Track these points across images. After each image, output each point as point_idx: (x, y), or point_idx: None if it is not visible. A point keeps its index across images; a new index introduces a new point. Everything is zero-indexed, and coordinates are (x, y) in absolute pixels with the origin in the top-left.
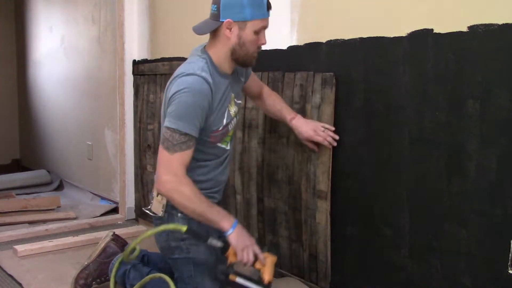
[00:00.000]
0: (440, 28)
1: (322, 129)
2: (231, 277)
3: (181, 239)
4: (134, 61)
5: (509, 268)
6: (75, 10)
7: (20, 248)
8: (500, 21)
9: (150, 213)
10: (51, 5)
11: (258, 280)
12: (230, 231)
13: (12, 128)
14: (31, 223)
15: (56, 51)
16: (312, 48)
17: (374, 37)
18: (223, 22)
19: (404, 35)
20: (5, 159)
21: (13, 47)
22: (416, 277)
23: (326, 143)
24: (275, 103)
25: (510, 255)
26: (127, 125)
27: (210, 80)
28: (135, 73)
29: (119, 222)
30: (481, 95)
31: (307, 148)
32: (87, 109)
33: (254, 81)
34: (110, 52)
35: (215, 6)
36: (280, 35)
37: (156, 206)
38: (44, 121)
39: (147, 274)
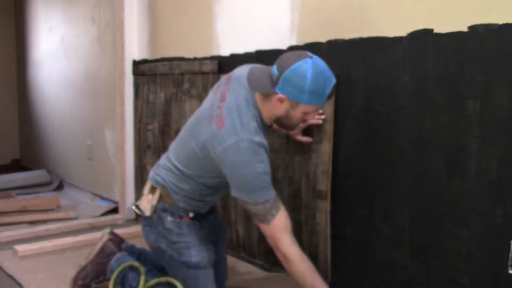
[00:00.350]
0: (440, 28)
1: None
2: None
3: (172, 242)
4: (134, 61)
5: (509, 268)
6: (75, 10)
7: (20, 248)
8: (500, 21)
9: (137, 211)
10: (51, 5)
11: None
12: None
13: (12, 128)
14: (31, 223)
15: (56, 51)
16: (312, 48)
17: (374, 37)
18: (277, 93)
19: (404, 35)
20: (5, 159)
21: (13, 47)
22: (416, 277)
23: (314, 121)
24: None
25: (510, 255)
26: (127, 125)
27: (263, 141)
28: (135, 73)
29: (119, 222)
30: (481, 95)
31: (307, 148)
32: (87, 109)
33: None
34: (110, 52)
35: (277, 71)
36: (280, 35)
37: (145, 205)
38: (44, 121)
39: (146, 274)
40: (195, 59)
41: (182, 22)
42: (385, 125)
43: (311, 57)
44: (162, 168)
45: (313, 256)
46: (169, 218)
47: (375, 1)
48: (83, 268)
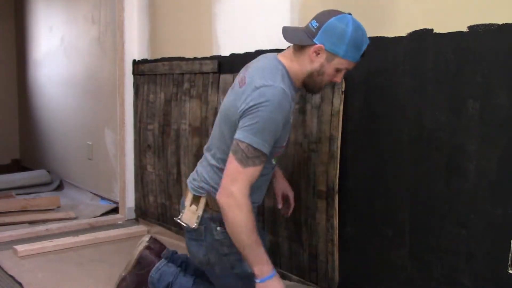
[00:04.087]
0: (440, 28)
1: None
2: None
3: (224, 255)
4: (134, 61)
5: (509, 268)
6: (75, 10)
7: (20, 248)
8: (500, 21)
9: (182, 223)
10: (51, 5)
11: None
12: (259, 280)
13: (12, 128)
14: (31, 223)
15: (56, 51)
16: None
17: (374, 37)
18: (315, 44)
19: (404, 35)
20: (5, 159)
21: (13, 47)
22: (416, 277)
23: (287, 207)
24: None
25: (510, 255)
26: (127, 125)
27: (288, 92)
28: (135, 73)
29: (119, 222)
30: (481, 95)
31: (307, 148)
32: (87, 109)
33: None
34: (110, 52)
35: (316, 23)
36: (280, 35)
37: (189, 217)
38: (44, 121)
39: (193, 286)
40: (195, 59)
41: (182, 22)
42: (385, 125)
43: (349, 13)
44: (202, 173)
45: (313, 256)
46: (218, 228)
47: (375, 1)
48: (123, 279)
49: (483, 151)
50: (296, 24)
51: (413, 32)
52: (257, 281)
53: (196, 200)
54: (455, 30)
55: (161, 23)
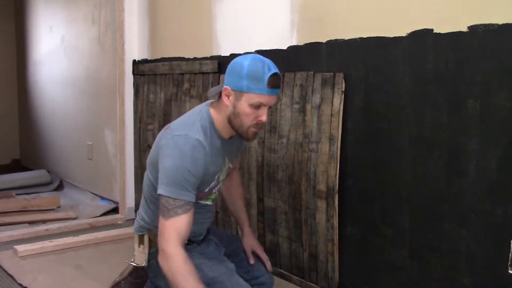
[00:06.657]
0: (440, 28)
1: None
2: None
3: None
4: (134, 61)
5: (509, 268)
6: (75, 10)
7: (20, 248)
8: (500, 21)
9: (136, 265)
10: (51, 5)
11: None
12: None
13: (12, 128)
14: (31, 223)
15: (56, 51)
16: (312, 48)
17: (374, 37)
18: (224, 87)
19: (404, 35)
20: (5, 159)
21: (13, 47)
22: (416, 277)
23: (264, 260)
24: (236, 202)
25: (510, 255)
26: (127, 125)
27: (205, 143)
28: (135, 73)
29: (119, 222)
30: (481, 95)
31: (307, 148)
32: (87, 109)
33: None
34: (110, 52)
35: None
36: (280, 35)
37: (139, 257)
38: (44, 121)
39: None
40: (195, 59)
41: (182, 23)
42: (385, 125)
43: (254, 54)
44: (140, 213)
45: (313, 256)
46: None
47: (375, 1)
48: (117, 285)
49: (483, 151)
50: (295, 24)
51: (413, 32)
52: None
53: (141, 239)
54: (455, 30)
55: (161, 23)
